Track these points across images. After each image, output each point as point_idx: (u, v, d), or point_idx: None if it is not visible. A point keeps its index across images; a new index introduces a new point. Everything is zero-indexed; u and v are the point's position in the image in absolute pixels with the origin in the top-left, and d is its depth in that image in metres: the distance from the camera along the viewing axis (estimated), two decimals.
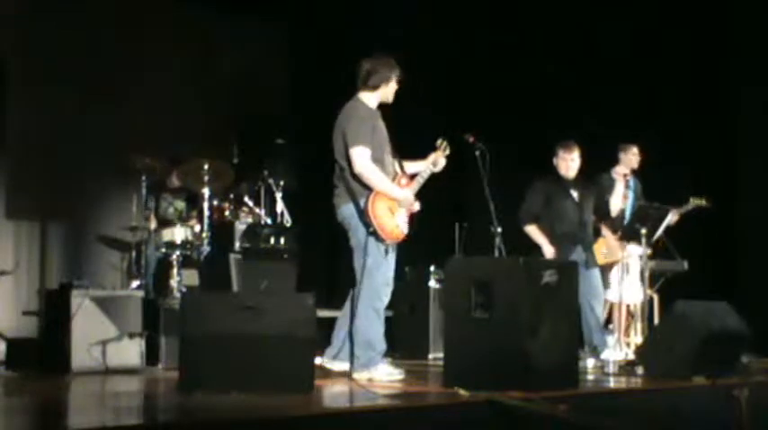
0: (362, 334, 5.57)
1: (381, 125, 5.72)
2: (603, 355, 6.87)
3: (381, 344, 5.65)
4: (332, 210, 5.75)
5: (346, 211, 5.62)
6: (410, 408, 4.55)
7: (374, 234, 5.53)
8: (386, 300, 5.67)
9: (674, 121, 8.67)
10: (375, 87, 5.69)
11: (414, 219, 5.76)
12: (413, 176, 5.86)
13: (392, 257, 5.66)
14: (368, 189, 5.56)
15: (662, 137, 8.59)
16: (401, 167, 5.83)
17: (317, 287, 6.39)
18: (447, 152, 5.92)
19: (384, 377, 5.54)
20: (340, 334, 5.74)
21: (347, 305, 5.73)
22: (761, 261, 8.43)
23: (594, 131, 7.94)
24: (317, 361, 5.62)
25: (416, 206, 5.75)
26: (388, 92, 5.73)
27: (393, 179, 5.72)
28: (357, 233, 5.59)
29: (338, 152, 5.64)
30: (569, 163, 7.04)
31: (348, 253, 5.73)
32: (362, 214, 5.54)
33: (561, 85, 8.95)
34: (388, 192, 5.60)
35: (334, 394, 5.20)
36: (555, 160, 7.08)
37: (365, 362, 5.56)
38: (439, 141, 5.92)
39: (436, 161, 5.89)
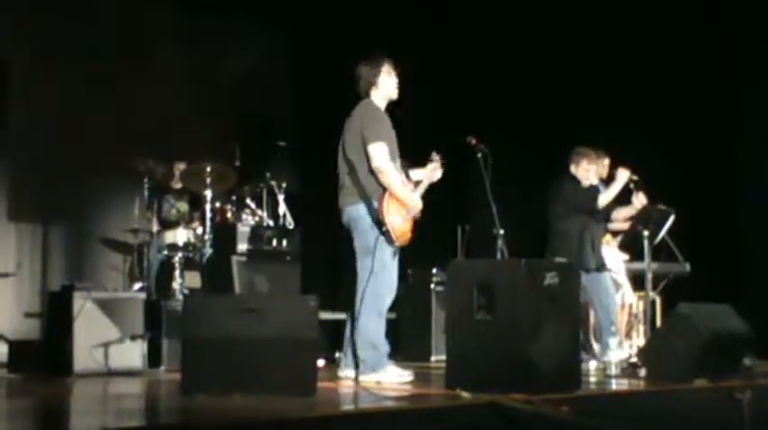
0: (366, 336, 5.54)
1: (393, 132, 5.71)
2: (606, 357, 6.88)
3: (385, 346, 5.63)
4: (334, 211, 5.71)
5: (354, 212, 5.56)
6: (412, 411, 4.55)
7: (386, 234, 5.48)
8: (389, 302, 5.65)
9: (673, 121, 8.67)
10: (367, 92, 5.70)
11: (416, 225, 5.75)
12: (417, 184, 5.84)
13: (396, 260, 5.64)
14: (380, 188, 5.52)
15: (661, 137, 8.60)
16: (407, 175, 5.81)
17: (320, 289, 6.38)
18: (442, 166, 5.90)
19: (394, 379, 5.51)
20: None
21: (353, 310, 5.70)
22: (764, 263, 8.42)
23: (593, 132, 7.94)
24: (341, 374, 5.65)
25: (419, 214, 5.71)
26: (386, 89, 5.70)
27: None
28: (366, 235, 5.53)
29: (351, 149, 5.58)
30: (588, 173, 7.13)
31: (350, 255, 5.70)
32: (375, 213, 5.48)
33: (563, 85, 8.96)
34: (402, 193, 5.56)
35: (336, 397, 5.20)
36: (572, 166, 7.16)
37: (373, 364, 5.53)
38: (434, 154, 5.90)
39: (434, 171, 5.86)
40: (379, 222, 5.48)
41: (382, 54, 5.73)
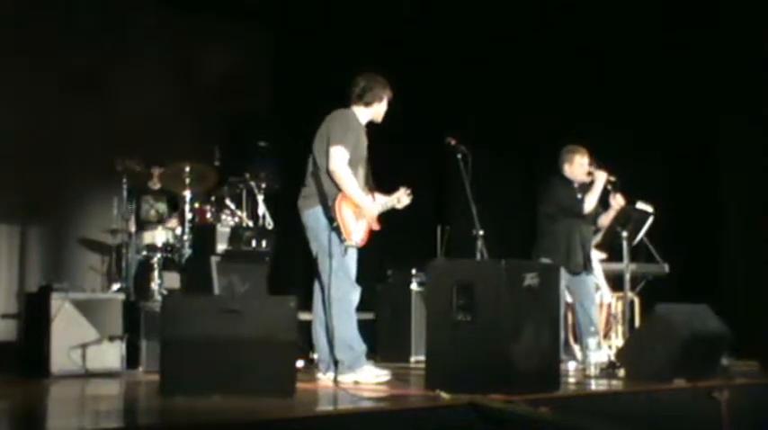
0: (340, 337, 5.59)
1: (364, 141, 5.80)
2: (585, 358, 6.90)
3: (360, 344, 5.68)
4: None
5: (311, 217, 5.67)
6: (392, 411, 4.55)
7: (336, 230, 5.56)
8: (355, 300, 5.71)
9: (654, 121, 8.71)
10: (368, 104, 5.81)
11: (373, 236, 5.79)
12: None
13: (352, 259, 5.70)
14: (338, 191, 5.62)
15: (641, 137, 8.63)
16: (371, 193, 5.87)
17: (299, 290, 6.36)
18: (410, 197, 5.95)
19: (371, 379, 5.56)
20: (321, 343, 5.73)
21: (316, 313, 5.73)
22: (741, 264, 8.47)
23: (581, 134, 7.96)
24: (320, 376, 5.68)
25: (376, 225, 5.79)
26: (379, 111, 5.85)
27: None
28: (319, 236, 5.63)
29: (318, 151, 5.70)
30: (584, 167, 7.11)
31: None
32: (328, 210, 5.57)
33: (544, 86, 8.98)
34: (355, 196, 5.65)
35: (315, 397, 5.20)
36: (566, 165, 7.11)
37: (350, 364, 5.58)
38: (403, 189, 5.95)
39: (400, 198, 5.93)
40: (331, 219, 5.57)
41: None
